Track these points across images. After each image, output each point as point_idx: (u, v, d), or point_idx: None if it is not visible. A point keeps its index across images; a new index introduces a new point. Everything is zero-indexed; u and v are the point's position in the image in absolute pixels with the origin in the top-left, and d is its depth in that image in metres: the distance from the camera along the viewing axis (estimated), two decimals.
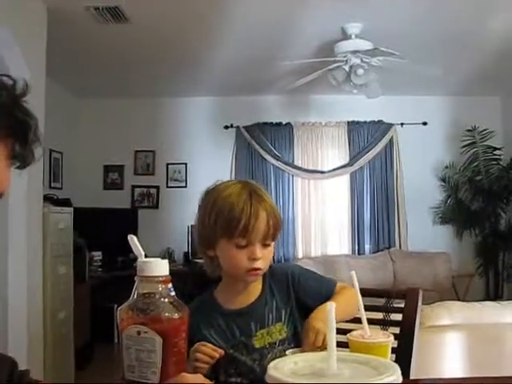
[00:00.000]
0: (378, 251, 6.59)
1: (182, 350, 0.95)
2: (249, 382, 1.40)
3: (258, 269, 1.41)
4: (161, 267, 0.95)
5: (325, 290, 1.49)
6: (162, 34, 4.55)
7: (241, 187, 1.44)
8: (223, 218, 1.39)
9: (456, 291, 6.04)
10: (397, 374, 0.60)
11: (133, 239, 0.98)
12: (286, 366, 0.66)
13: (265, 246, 1.41)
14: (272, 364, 0.67)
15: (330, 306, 0.64)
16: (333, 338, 0.62)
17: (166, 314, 0.93)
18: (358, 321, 1.22)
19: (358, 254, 6.63)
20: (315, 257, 6.49)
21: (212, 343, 1.38)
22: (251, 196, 1.41)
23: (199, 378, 0.83)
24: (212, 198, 1.43)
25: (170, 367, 0.92)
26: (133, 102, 6.63)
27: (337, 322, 1.32)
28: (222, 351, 1.34)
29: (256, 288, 1.49)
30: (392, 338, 1.15)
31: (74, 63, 5.27)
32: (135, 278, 0.95)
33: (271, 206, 1.44)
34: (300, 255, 6.54)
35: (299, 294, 1.49)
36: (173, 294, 0.95)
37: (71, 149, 6.39)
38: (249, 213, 1.38)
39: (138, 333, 0.91)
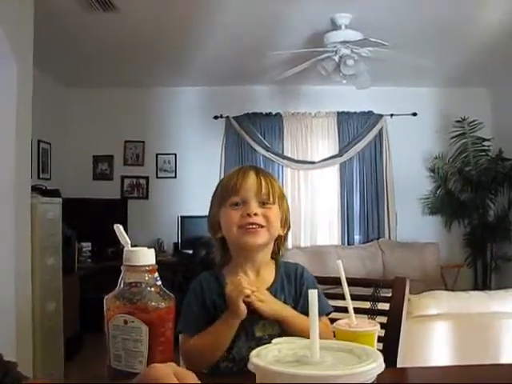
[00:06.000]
0: (367, 242, 6.62)
1: (169, 339, 0.95)
2: (239, 369, 1.39)
3: (254, 223, 1.40)
4: (147, 256, 0.94)
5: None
6: (151, 23, 4.51)
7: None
8: (219, 191, 1.47)
9: (445, 281, 6.08)
10: (379, 362, 0.61)
11: (119, 228, 0.98)
12: (268, 353, 0.66)
13: (263, 205, 1.43)
14: (254, 352, 0.67)
15: (312, 294, 0.64)
16: (315, 326, 0.62)
17: (153, 304, 0.93)
18: (344, 310, 1.22)
19: (348, 244, 6.66)
20: (305, 247, 6.51)
21: None
22: (244, 166, 1.50)
23: (171, 366, 0.82)
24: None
25: (156, 356, 0.92)
26: (122, 91, 6.59)
27: (289, 329, 1.33)
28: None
29: (268, 276, 1.48)
30: (378, 326, 1.15)
31: (62, 53, 5.23)
32: (121, 268, 0.94)
33: (264, 170, 1.50)
34: (290, 246, 6.54)
35: (300, 297, 1.48)
36: (159, 283, 0.95)
37: (60, 139, 6.36)
38: (238, 173, 1.45)
39: (125, 322, 0.91)
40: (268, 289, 1.45)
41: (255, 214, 1.41)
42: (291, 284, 1.49)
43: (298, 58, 4.91)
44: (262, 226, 1.42)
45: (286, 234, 1.54)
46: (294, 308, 1.44)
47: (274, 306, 1.38)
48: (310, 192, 6.74)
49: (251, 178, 1.44)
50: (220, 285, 1.46)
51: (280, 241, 1.53)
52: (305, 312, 1.41)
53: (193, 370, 0.79)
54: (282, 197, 1.49)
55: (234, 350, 1.40)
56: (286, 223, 1.51)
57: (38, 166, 5.78)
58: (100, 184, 6.69)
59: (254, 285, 1.39)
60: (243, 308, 1.33)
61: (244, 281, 1.35)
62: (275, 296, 1.43)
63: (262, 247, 1.46)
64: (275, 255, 1.54)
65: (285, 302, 1.44)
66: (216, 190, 1.50)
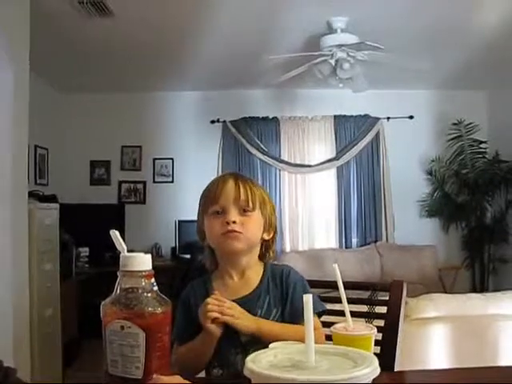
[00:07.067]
0: (365, 245, 6.62)
1: (166, 344, 0.95)
2: (230, 374, 1.40)
3: (233, 230, 1.42)
4: (143, 262, 0.95)
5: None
6: (147, 28, 4.52)
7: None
8: (202, 200, 1.51)
9: (443, 284, 6.08)
10: (374, 366, 0.61)
11: (115, 234, 0.98)
12: (264, 358, 0.66)
13: (244, 213, 1.45)
14: (250, 357, 0.67)
15: (307, 298, 0.64)
16: (311, 331, 0.62)
17: (150, 309, 0.93)
18: (341, 314, 1.22)
19: (345, 247, 6.66)
20: (302, 251, 6.51)
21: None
22: (224, 174, 1.53)
23: (176, 379, 0.84)
24: None
25: (153, 362, 0.92)
26: (119, 96, 6.59)
27: (271, 337, 1.30)
28: (230, 304, 1.35)
29: (254, 279, 1.49)
30: (375, 330, 1.15)
31: (58, 58, 5.23)
32: (118, 273, 0.94)
33: (244, 177, 1.51)
34: (287, 249, 6.55)
35: (287, 299, 1.47)
36: (156, 288, 0.95)
37: (57, 145, 6.35)
38: (218, 182, 1.48)
39: (122, 328, 0.91)
40: (250, 294, 1.46)
41: (234, 222, 1.43)
42: (277, 286, 1.48)
43: (294, 62, 4.91)
44: (238, 232, 1.44)
45: (273, 237, 1.55)
46: (282, 310, 1.45)
47: (246, 322, 1.36)
48: (307, 195, 6.74)
49: (230, 186, 1.46)
50: (206, 291, 1.48)
51: (268, 244, 1.54)
52: (293, 313, 1.42)
53: (186, 376, 0.81)
54: (265, 202, 1.50)
55: (221, 357, 1.41)
56: (270, 227, 1.53)
57: (35, 171, 5.78)
58: (97, 189, 6.69)
59: (238, 288, 1.43)
60: (214, 330, 1.34)
61: (211, 303, 1.34)
62: (259, 298, 1.45)
63: (243, 252, 1.48)
64: (264, 258, 1.55)
65: (269, 305, 1.45)
66: (200, 198, 1.52)
